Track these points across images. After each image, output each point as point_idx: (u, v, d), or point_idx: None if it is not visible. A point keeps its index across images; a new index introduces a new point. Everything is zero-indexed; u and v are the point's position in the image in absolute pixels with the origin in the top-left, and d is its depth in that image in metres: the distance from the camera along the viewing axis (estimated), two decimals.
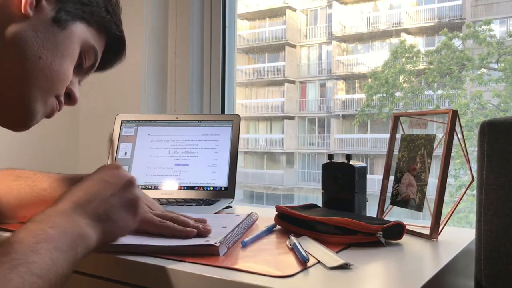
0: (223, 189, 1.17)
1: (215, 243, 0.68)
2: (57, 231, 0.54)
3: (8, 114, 0.67)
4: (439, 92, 1.56)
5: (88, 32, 0.71)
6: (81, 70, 0.73)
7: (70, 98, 0.74)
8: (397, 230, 0.79)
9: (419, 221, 1.01)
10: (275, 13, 2.07)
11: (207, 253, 0.67)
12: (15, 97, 0.65)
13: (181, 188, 1.19)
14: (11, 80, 0.64)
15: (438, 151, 0.88)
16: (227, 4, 1.62)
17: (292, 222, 0.84)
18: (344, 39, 1.91)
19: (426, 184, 0.88)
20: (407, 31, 1.68)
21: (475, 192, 0.78)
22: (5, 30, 0.62)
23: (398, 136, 0.99)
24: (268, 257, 0.69)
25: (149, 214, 0.71)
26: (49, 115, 0.71)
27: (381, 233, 0.75)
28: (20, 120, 0.68)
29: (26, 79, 0.64)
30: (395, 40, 1.70)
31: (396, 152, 0.99)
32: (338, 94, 1.94)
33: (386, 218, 0.96)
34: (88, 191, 0.62)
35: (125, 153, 1.24)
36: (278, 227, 0.88)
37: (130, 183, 0.66)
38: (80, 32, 0.69)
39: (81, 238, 0.56)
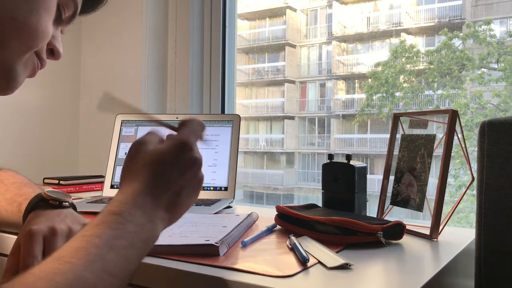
0: (223, 189, 1.17)
1: (215, 243, 0.68)
2: (135, 227, 0.50)
3: None
4: (439, 92, 1.56)
5: None
6: (61, 21, 0.66)
7: (53, 54, 0.67)
8: (397, 230, 0.79)
9: (419, 221, 1.01)
10: (275, 13, 2.07)
11: (207, 253, 0.67)
12: None
13: None
14: None
15: (438, 151, 0.88)
16: (227, 4, 1.62)
17: (292, 222, 0.84)
18: (344, 39, 1.91)
19: (426, 184, 0.88)
20: (407, 31, 1.68)
21: (475, 192, 0.78)
22: None
23: (398, 136, 0.99)
24: (268, 257, 0.69)
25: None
26: (31, 75, 0.65)
27: (381, 233, 0.75)
28: (2, 84, 0.62)
29: (1, 43, 0.58)
30: (395, 40, 1.70)
31: (396, 152, 0.99)
32: (338, 94, 1.94)
33: (386, 218, 0.97)
34: (162, 177, 0.56)
35: (125, 153, 1.24)
36: (278, 227, 0.88)
37: (196, 163, 0.60)
38: None
39: (153, 234, 0.53)
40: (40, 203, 0.71)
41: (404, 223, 0.80)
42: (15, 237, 0.78)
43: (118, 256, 0.47)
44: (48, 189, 0.75)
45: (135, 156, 0.58)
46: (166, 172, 0.57)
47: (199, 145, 0.63)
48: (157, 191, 0.55)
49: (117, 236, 0.48)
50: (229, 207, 1.13)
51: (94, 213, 1.01)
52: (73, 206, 0.74)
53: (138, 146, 0.60)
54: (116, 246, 0.47)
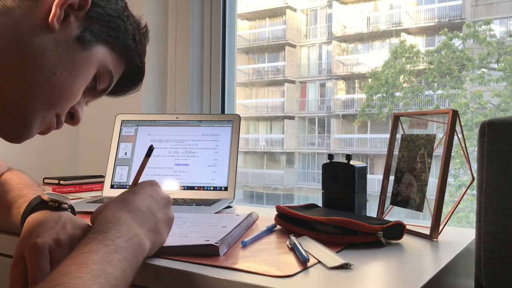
0: (223, 189, 1.17)
1: (215, 243, 0.68)
2: (123, 242, 0.55)
3: (5, 125, 0.64)
4: (439, 92, 1.56)
5: (109, 56, 0.68)
6: (92, 92, 0.71)
7: (73, 118, 0.71)
8: (397, 230, 0.79)
9: (419, 221, 1.01)
10: (275, 13, 2.07)
11: (207, 253, 0.67)
12: (17, 108, 0.62)
13: (181, 188, 1.19)
14: (18, 90, 0.61)
15: (438, 151, 0.88)
16: (227, 4, 1.62)
17: (292, 222, 0.84)
18: (344, 39, 1.91)
19: (426, 184, 0.88)
20: (407, 31, 1.68)
21: (475, 192, 0.78)
22: (26, 40, 0.59)
23: (398, 136, 0.99)
24: (268, 257, 0.69)
25: None
26: (44, 132, 0.67)
27: (382, 233, 0.75)
28: (15, 132, 0.64)
29: (33, 93, 0.61)
30: (395, 40, 1.70)
31: (396, 152, 0.99)
32: (338, 94, 1.94)
33: (386, 218, 0.97)
34: (139, 204, 0.65)
35: (125, 153, 1.24)
36: (278, 227, 0.88)
37: (169, 202, 0.71)
38: (101, 55, 0.66)
39: (141, 248, 0.58)
40: (39, 205, 0.71)
41: (404, 223, 0.80)
42: (15, 237, 0.78)
43: (116, 269, 0.51)
44: (47, 191, 0.75)
45: (107, 202, 0.66)
46: (144, 199, 0.66)
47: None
48: (136, 211, 0.63)
49: (111, 251, 0.52)
50: (229, 207, 1.13)
51: None
52: (71, 208, 0.74)
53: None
54: (112, 260, 0.51)
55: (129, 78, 0.75)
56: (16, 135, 0.65)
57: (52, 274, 0.47)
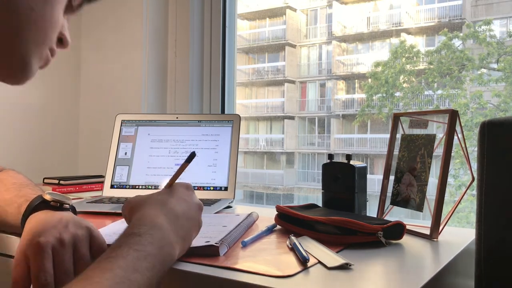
0: (223, 189, 1.17)
1: (215, 243, 0.68)
2: (155, 249, 0.54)
3: (3, 70, 0.62)
4: (439, 92, 1.56)
5: None
6: (69, 9, 0.67)
7: (62, 43, 0.67)
8: (398, 230, 0.79)
9: (419, 221, 1.01)
10: (275, 13, 2.07)
11: (208, 253, 0.67)
12: (9, 54, 0.60)
13: None
14: (5, 39, 0.58)
15: (438, 151, 0.88)
16: (227, 4, 1.62)
17: (292, 222, 0.84)
18: (344, 39, 1.91)
19: (426, 184, 0.88)
20: (407, 31, 1.68)
21: (475, 192, 0.78)
22: None
23: (398, 136, 0.99)
24: (268, 257, 0.69)
25: None
26: (43, 66, 0.65)
27: (382, 233, 0.75)
28: (16, 74, 0.62)
29: (20, 35, 0.58)
30: (395, 40, 1.70)
31: (396, 152, 0.99)
32: (338, 94, 1.94)
33: (386, 218, 0.97)
34: (175, 207, 0.64)
35: (125, 153, 1.24)
36: (278, 227, 0.88)
37: (201, 208, 0.70)
38: None
39: (170, 257, 0.57)
40: (40, 205, 0.71)
41: (404, 223, 0.80)
42: (15, 237, 0.78)
43: (142, 277, 0.49)
44: (48, 191, 0.75)
45: (143, 198, 0.65)
46: (178, 203, 0.65)
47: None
48: (171, 215, 0.61)
49: (140, 257, 0.51)
50: (229, 207, 1.13)
51: (94, 213, 1.01)
52: (73, 208, 0.74)
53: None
54: (139, 267, 0.50)
55: None
56: (19, 78, 0.62)
57: (76, 278, 0.47)
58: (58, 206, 0.71)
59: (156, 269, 0.53)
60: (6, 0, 0.56)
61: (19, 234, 0.67)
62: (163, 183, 0.73)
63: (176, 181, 0.71)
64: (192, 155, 0.70)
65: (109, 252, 0.51)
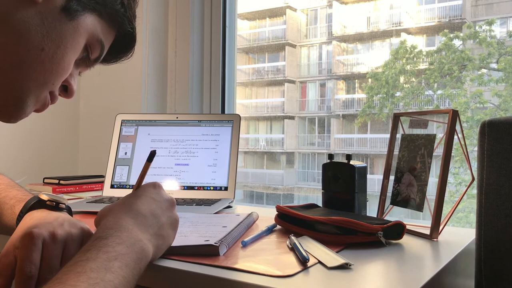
0: (223, 189, 1.17)
1: (215, 243, 0.68)
2: (124, 248, 0.54)
3: None
4: (439, 92, 1.56)
5: (98, 24, 0.64)
6: (83, 62, 0.67)
7: (66, 91, 0.67)
8: (398, 230, 0.79)
9: (419, 221, 1.01)
10: (275, 13, 2.07)
11: (207, 253, 0.67)
12: (7, 89, 0.59)
13: (182, 187, 1.19)
14: (7, 72, 0.58)
15: (438, 150, 0.88)
16: (227, 4, 1.62)
17: (292, 222, 0.84)
18: (344, 39, 1.91)
19: (426, 184, 0.88)
20: (408, 31, 1.68)
21: (475, 192, 0.78)
22: (9, 16, 0.55)
23: (398, 136, 0.99)
24: (268, 257, 0.69)
25: None
26: (39, 110, 0.65)
27: (382, 233, 0.75)
28: (9, 112, 0.61)
29: (23, 71, 0.58)
30: (395, 40, 1.70)
31: (396, 152, 0.99)
32: (338, 94, 1.94)
33: (386, 218, 0.97)
34: (142, 208, 0.63)
35: (125, 153, 1.24)
36: (278, 227, 0.88)
37: (173, 204, 0.69)
38: (89, 24, 0.62)
39: (144, 253, 0.57)
40: (36, 204, 0.71)
41: (404, 223, 0.80)
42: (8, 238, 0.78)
43: (116, 276, 0.49)
44: (32, 190, 0.75)
45: (109, 207, 0.65)
46: (145, 203, 0.64)
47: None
48: (138, 215, 0.62)
49: (110, 258, 0.51)
50: (229, 207, 1.13)
51: (94, 213, 1.01)
52: (68, 209, 0.74)
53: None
54: (111, 267, 0.50)
55: (120, 45, 0.72)
56: (11, 116, 0.61)
57: (49, 282, 0.46)
58: (54, 205, 0.71)
59: (131, 267, 0.53)
60: (18, 36, 0.56)
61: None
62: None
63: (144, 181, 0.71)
64: (152, 154, 0.69)
65: (78, 256, 0.51)
